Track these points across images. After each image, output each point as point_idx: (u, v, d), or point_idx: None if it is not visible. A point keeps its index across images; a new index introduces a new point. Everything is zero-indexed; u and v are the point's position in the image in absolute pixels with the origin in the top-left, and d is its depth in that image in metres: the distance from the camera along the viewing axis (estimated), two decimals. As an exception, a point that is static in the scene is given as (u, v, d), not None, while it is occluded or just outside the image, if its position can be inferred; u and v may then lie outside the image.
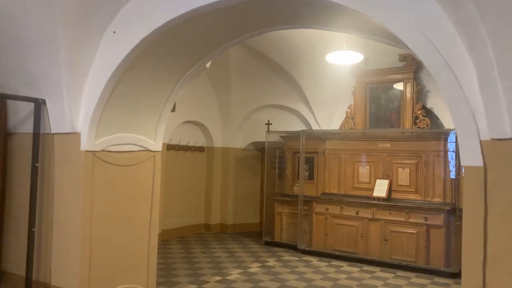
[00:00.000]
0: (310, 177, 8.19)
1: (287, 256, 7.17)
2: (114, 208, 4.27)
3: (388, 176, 7.24)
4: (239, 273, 5.89)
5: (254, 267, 6.26)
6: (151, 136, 4.69)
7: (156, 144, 4.77)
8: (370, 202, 7.02)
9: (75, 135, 4.02)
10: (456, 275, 6.08)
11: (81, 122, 4.01)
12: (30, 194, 4.08)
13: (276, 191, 8.54)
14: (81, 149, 3.99)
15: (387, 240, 6.80)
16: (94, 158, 4.06)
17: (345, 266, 6.60)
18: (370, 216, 6.99)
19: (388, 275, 6.15)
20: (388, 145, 7.29)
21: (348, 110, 7.73)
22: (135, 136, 4.48)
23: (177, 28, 3.59)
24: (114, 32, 3.82)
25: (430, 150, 6.91)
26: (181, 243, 7.91)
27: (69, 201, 4.06)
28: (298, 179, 8.37)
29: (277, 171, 8.55)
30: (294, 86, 8.30)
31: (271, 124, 9.22)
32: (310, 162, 8.24)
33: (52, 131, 4.17)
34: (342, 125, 7.81)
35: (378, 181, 7.29)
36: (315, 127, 8.34)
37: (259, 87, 8.94)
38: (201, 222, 9.54)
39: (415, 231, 6.59)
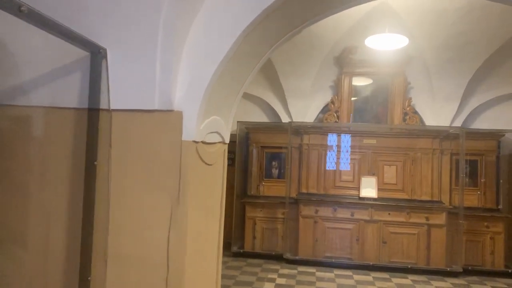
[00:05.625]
0: (280, 175, 7.29)
1: (281, 269, 6.14)
2: (204, 232, 2.74)
3: (374, 174, 6.86)
4: (268, 300, 4.69)
5: (273, 289, 5.11)
6: (226, 121, 3.20)
7: (228, 133, 3.29)
8: (367, 202, 6.52)
9: (171, 114, 2.35)
10: (459, 274, 6.06)
11: (183, 94, 2.38)
12: (83, 215, 2.24)
13: (245, 192, 7.35)
14: (184, 139, 2.36)
15: (385, 242, 6.39)
16: (195, 153, 2.47)
17: (354, 275, 5.94)
18: (367, 217, 6.48)
19: (404, 280, 5.74)
20: (374, 141, 6.92)
21: (332, 102, 7.08)
22: (221, 121, 2.97)
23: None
24: None
25: (418, 147, 6.77)
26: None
27: (147, 225, 2.38)
28: (265, 177, 7.39)
29: (253, 168, 7.34)
30: (265, 71, 7.22)
31: (223, 114, 7.94)
32: (279, 158, 7.35)
33: (113, 106, 2.39)
34: (325, 119, 7.12)
35: (363, 179, 6.85)
36: (284, 119, 7.44)
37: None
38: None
39: (415, 232, 6.35)
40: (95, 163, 2.28)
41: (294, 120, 7.29)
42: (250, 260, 6.57)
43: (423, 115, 7.02)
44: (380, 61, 6.78)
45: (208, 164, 2.86)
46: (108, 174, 2.37)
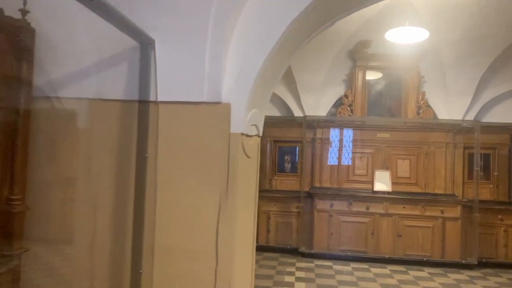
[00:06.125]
0: (293, 169, 7.30)
1: (298, 263, 6.16)
2: (246, 224, 2.74)
3: (387, 167, 6.88)
4: (291, 293, 4.72)
5: (298, 284, 5.11)
6: (262, 114, 3.19)
7: (261, 126, 3.28)
8: (382, 196, 6.54)
9: (219, 106, 2.34)
10: (474, 267, 6.11)
11: (231, 86, 2.37)
12: (134, 209, 2.24)
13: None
14: (232, 131, 2.36)
15: (400, 235, 6.42)
16: (240, 145, 2.47)
17: (371, 268, 5.98)
18: (382, 211, 6.51)
19: (422, 273, 5.78)
20: (387, 135, 6.93)
21: (345, 96, 7.08)
22: (259, 114, 2.95)
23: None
24: None
25: (431, 141, 6.80)
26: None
27: (196, 218, 2.37)
28: (277, 172, 7.39)
29: (266, 162, 7.34)
30: (277, 66, 7.20)
31: (234, 108, 7.92)
32: (291, 152, 7.36)
33: (159, 99, 2.38)
34: (338, 112, 7.12)
35: (377, 173, 6.87)
36: (296, 113, 7.43)
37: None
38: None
39: (431, 225, 6.38)
40: (146, 155, 2.26)
41: (306, 114, 7.29)
42: (265, 254, 6.59)
43: (436, 109, 7.03)
44: (394, 55, 6.77)
45: (248, 157, 2.85)
46: (155, 167, 2.36)
